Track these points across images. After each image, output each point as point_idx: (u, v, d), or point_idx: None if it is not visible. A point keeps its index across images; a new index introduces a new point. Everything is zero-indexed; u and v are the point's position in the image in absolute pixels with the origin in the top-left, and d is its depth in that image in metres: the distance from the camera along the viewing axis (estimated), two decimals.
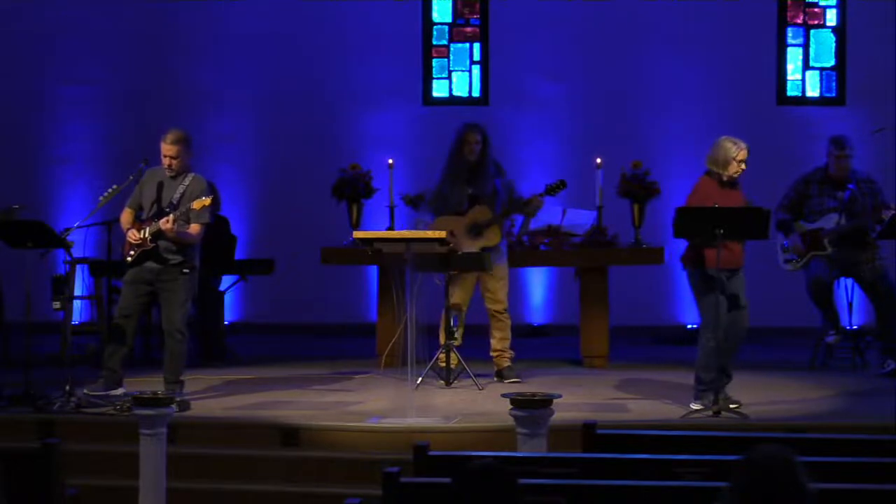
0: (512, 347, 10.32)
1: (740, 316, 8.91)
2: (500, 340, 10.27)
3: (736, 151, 8.78)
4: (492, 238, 10.10)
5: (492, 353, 10.32)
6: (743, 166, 8.82)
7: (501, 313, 10.24)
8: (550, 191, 10.14)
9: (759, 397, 9.26)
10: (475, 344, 10.59)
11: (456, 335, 10.25)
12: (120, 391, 9.09)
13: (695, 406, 8.89)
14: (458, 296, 10.21)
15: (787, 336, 11.70)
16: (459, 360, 10.08)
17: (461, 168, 10.13)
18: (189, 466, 8.11)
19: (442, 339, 10.11)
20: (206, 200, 9.08)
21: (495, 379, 10.23)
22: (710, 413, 8.66)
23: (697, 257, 8.84)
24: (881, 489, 5.49)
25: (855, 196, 10.54)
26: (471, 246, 10.02)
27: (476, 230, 10.08)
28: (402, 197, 11.38)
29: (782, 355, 11.42)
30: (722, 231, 8.53)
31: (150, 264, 9.17)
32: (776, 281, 11.17)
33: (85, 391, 9.06)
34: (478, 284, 10.27)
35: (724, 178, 8.83)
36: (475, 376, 9.96)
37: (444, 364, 10.04)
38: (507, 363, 10.24)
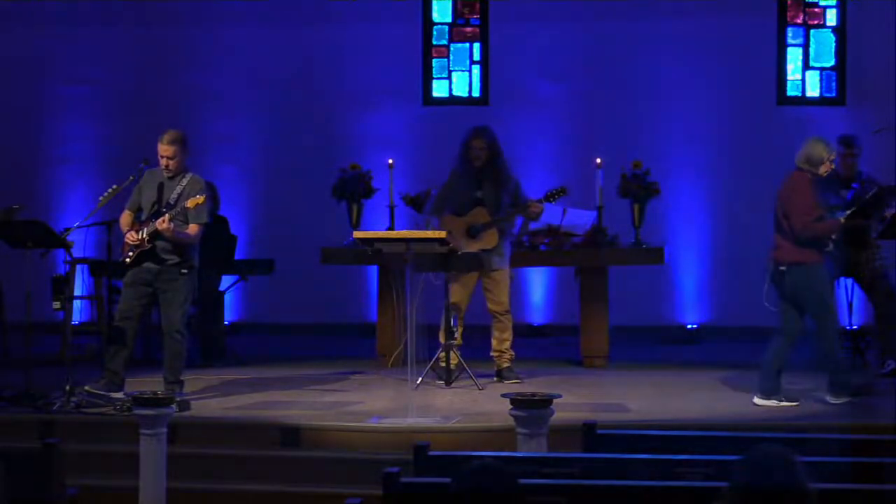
0: (512, 348, 10.32)
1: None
2: (500, 341, 10.28)
3: (829, 152, 9.10)
4: (489, 241, 10.10)
5: (492, 354, 10.33)
6: (832, 166, 9.17)
7: (503, 314, 10.25)
8: (550, 197, 10.17)
9: None
10: (475, 344, 10.58)
11: (456, 335, 10.25)
12: (120, 395, 9.08)
13: (838, 400, 9.00)
14: (456, 295, 10.21)
15: None
16: (460, 360, 10.09)
17: (469, 172, 10.14)
18: (189, 466, 8.11)
19: (442, 339, 10.12)
20: (200, 199, 9.08)
21: (495, 379, 10.23)
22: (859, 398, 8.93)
23: (821, 252, 9.03)
24: (881, 489, 5.48)
25: (858, 196, 10.53)
26: (468, 247, 10.04)
27: (473, 232, 10.08)
28: (402, 197, 11.38)
29: None
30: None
31: (149, 265, 9.17)
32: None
33: (86, 388, 9.05)
34: (479, 285, 10.27)
35: (816, 177, 9.06)
36: (475, 376, 9.96)
37: (444, 364, 10.04)
38: (506, 364, 10.24)
